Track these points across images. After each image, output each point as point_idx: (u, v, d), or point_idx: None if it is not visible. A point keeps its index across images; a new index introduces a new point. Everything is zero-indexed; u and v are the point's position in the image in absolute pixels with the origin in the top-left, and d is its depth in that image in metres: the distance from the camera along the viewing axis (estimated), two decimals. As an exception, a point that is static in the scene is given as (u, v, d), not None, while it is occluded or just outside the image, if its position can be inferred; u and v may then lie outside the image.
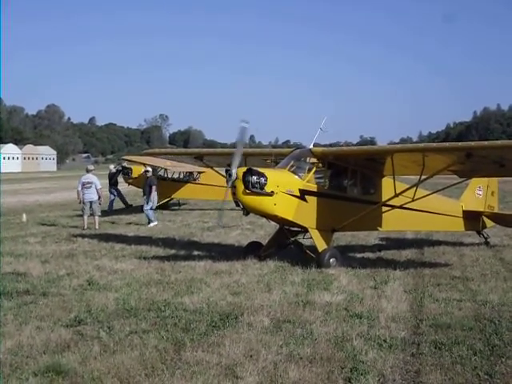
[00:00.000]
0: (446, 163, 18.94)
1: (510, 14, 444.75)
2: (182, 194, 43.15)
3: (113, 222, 33.45)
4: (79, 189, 30.96)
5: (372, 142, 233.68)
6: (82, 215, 31.07)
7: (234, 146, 20.92)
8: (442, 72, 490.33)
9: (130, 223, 33.37)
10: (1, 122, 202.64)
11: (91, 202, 30.72)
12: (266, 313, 13.50)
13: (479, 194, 25.55)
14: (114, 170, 41.59)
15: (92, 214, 30.85)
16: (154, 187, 32.70)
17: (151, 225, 31.77)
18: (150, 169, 35.38)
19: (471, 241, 25.49)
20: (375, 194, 21.17)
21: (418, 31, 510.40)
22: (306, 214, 19.75)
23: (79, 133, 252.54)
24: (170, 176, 43.13)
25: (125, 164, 43.74)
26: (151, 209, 32.49)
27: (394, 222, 21.61)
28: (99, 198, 31.18)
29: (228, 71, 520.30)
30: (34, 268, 18.72)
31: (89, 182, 30.89)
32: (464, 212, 24.26)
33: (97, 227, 30.51)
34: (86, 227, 30.20)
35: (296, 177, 19.78)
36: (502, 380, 9.67)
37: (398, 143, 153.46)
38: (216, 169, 25.48)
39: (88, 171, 31.80)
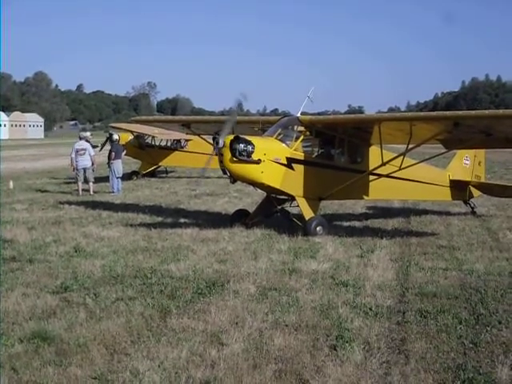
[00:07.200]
0: (433, 132, 18.94)
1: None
2: (170, 161, 43.13)
3: (96, 192, 33.29)
4: (73, 155, 31.16)
5: (360, 111, 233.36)
6: (69, 182, 31.13)
7: (222, 113, 20.86)
8: (430, 41, 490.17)
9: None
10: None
11: (85, 169, 31.01)
12: (252, 280, 13.52)
13: (466, 163, 25.56)
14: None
15: (86, 181, 31.02)
16: (118, 154, 32.98)
17: (112, 194, 31.64)
18: (116, 136, 35.43)
19: (458, 210, 25.55)
20: (362, 163, 21.14)
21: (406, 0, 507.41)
22: (292, 182, 19.74)
23: (67, 100, 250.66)
24: (157, 144, 43.10)
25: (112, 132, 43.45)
26: (117, 178, 32.51)
27: (380, 191, 21.62)
28: (92, 164, 31.50)
29: (217, 39, 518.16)
30: (21, 235, 18.66)
31: (83, 149, 31.24)
32: (451, 181, 24.27)
33: (91, 193, 31.14)
34: (80, 193, 30.66)
35: (283, 145, 19.73)
36: (486, 348, 9.69)
37: (386, 112, 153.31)
38: (203, 136, 25.44)
39: (81, 138, 32.02)
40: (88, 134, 34.77)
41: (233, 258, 15.80)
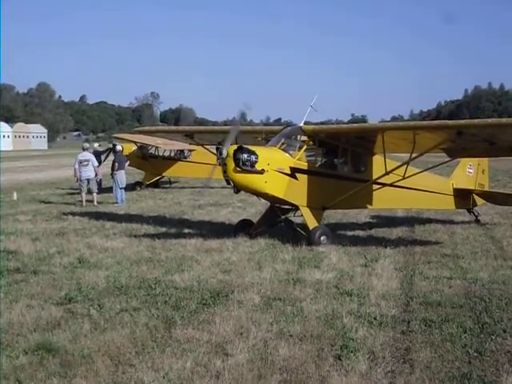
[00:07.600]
0: (436, 141, 18.93)
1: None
2: (173, 171, 43.23)
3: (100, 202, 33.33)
4: (76, 166, 31.39)
5: (363, 120, 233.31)
6: (73, 193, 31.26)
7: (225, 123, 20.88)
8: (434, 49, 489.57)
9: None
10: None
11: (88, 180, 31.20)
12: (256, 290, 13.51)
13: (470, 172, 25.57)
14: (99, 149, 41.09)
15: (89, 192, 31.12)
16: (121, 165, 33.00)
17: (116, 205, 31.67)
18: (119, 146, 35.52)
19: (462, 219, 25.54)
20: (366, 172, 21.14)
21: (408, 5, 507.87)
22: (296, 192, 19.73)
23: (70, 111, 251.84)
24: (160, 154, 43.15)
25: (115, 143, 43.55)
26: (120, 189, 32.53)
27: (384, 200, 21.61)
28: (96, 175, 31.74)
29: (219, 47, 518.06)
30: (25, 246, 18.68)
31: (86, 160, 31.46)
32: (455, 190, 24.28)
33: (95, 203, 31.25)
34: (84, 204, 30.82)
35: (287, 154, 19.74)
36: (491, 357, 9.68)
37: (389, 121, 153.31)
38: (207, 147, 25.48)
39: (84, 149, 32.25)
40: (96, 145, 35.01)
41: (237, 268, 15.79)
